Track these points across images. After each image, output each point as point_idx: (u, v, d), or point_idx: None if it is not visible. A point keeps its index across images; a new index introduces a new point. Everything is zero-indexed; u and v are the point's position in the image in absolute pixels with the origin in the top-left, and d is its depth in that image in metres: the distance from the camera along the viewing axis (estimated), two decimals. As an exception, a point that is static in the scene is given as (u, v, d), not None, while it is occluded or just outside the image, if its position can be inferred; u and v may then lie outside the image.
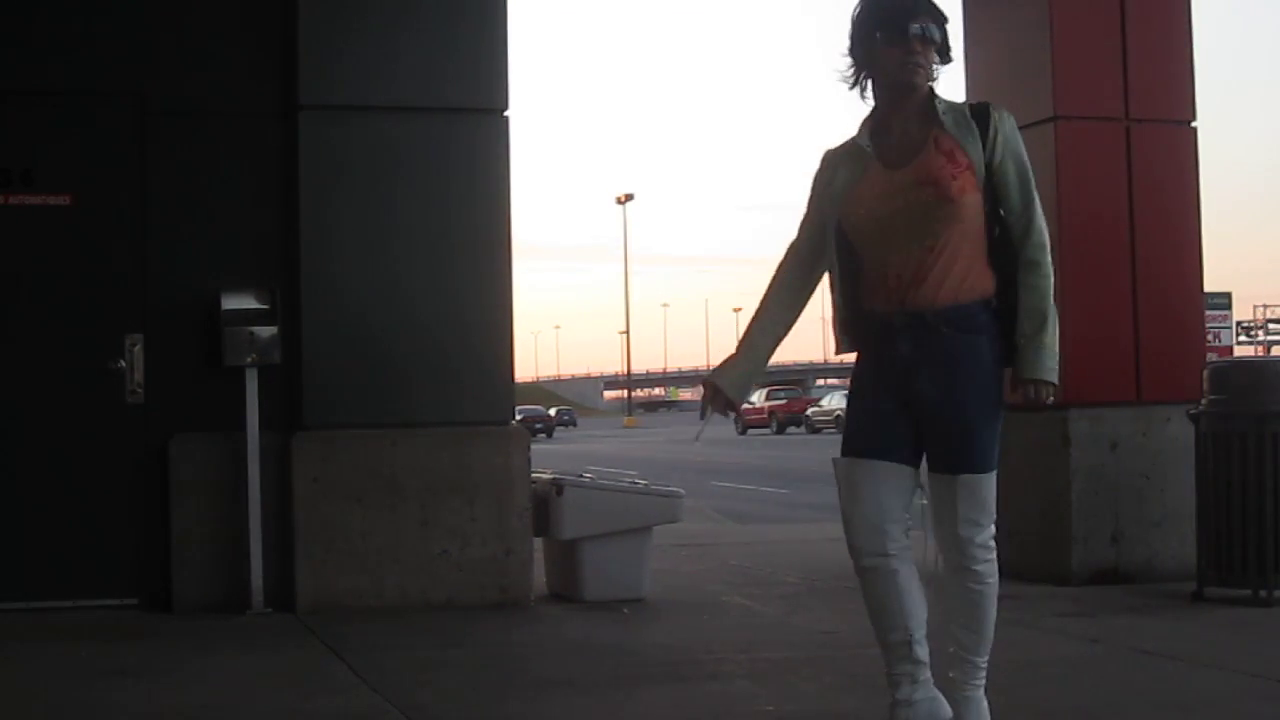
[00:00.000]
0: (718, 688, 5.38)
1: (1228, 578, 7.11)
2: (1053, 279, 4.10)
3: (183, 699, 5.31)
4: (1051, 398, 4.09)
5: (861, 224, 4.06)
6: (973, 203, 4.01)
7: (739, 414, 4.30)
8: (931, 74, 4.07)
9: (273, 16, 7.50)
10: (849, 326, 4.18)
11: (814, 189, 4.24)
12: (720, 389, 4.20)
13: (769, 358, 4.27)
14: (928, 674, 4.11)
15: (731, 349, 4.29)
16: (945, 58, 4.09)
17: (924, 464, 4.15)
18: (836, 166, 4.17)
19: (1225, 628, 6.55)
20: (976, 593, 4.07)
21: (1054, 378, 4.05)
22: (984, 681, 4.15)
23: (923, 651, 4.10)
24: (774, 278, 4.27)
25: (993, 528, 4.09)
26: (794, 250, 4.26)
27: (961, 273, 4.02)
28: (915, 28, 3.99)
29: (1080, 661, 5.83)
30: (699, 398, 4.37)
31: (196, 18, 7.49)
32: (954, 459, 4.03)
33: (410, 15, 7.55)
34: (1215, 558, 7.15)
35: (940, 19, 4.06)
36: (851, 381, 4.24)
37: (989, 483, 4.05)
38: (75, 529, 7.27)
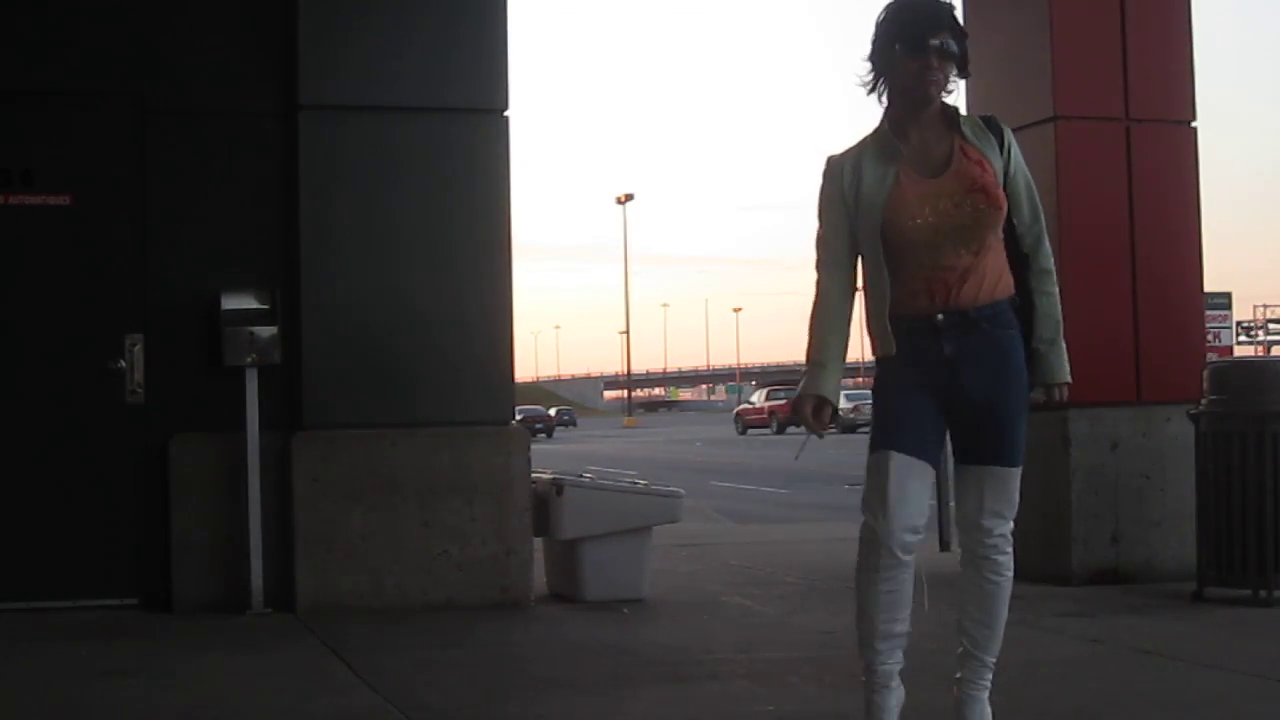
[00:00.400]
0: (718, 688, 5.38)
1: (1228, 578, 7.11)
2: None
3: (183, 699, 5.31)
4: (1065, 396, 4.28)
5: (913, 230, 4.06)
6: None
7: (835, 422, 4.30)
8: (947, 87, 4.12)
9: (273, 16, 7.51)
10: (885, 327, 4.15)
11: (832, 192, 4.18)
12: (826, 398, 4.17)
13: (845, 358, 4.27)
14: None
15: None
16: (963, 71, 4.14)
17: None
18: (859, 168, 4.14)
19: (1225, 628, 6.55)
20: (994, 584, 4.15)
21: (1070, 377, 4.24)
22: (990, 684, 4.19)
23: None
24: (823, 277, 4.20)
25: (1012, 523, 4.18)
26: (830, 247, 4.20)
27: (996, 272, 4.12)
28: (935, 42, 4.04)
29: (1080, 661, 5.83)
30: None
31: (196, 18, 7.49)
32: (989, 452, 4.13)
33: (410, 15, 7.55)
34: (1215, 558, 7.15)
35: (960, 34, 4.10)
36: (884, 380, 4.21)
37: (1017, 477, 4.16)
38: (75, 529, 7.27)
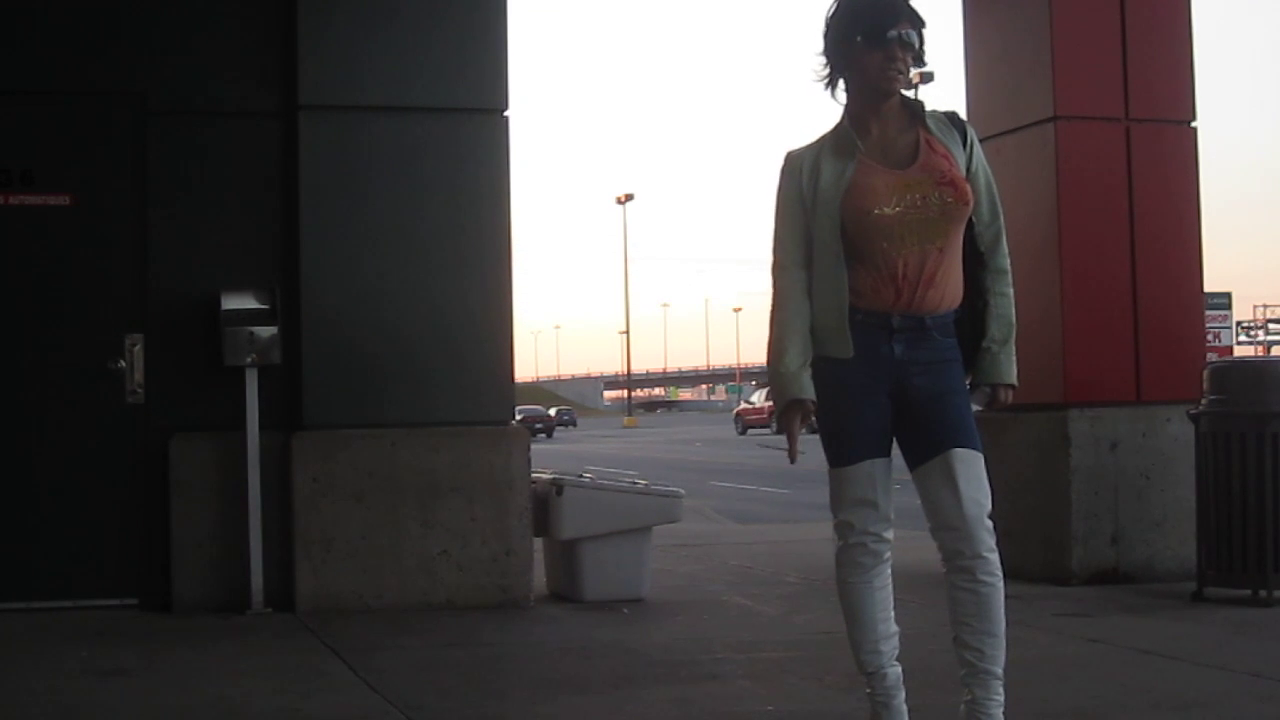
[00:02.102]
0: (718, 688, 5.38)
1: (1228, 578, 7.11)
2: None
3: (183, 699, 5.31)
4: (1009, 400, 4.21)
5: (879, 220, 3.99)
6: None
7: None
8: (908, 78, 4.08)
9: (273, 16, 7.50)
10: (844, 327, 4.05)
11: (789, 191, 4.12)
12: (805, 401, 4.06)
13: (810, 356, 4.12)
14: None
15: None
16: (919, 62, 4.09)
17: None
18: (817, 165, 4.08)
19: (1225, 628, 6.55)
20: (989, 586, 3.97)
21: (1016, 381, 4.18)
22: (1004, 699, 4.01)
23: None
24: (780, 279, 4.12)
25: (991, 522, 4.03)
26: (786, 248, 4.13)
27: (955, 279, 4.06)
28: (896, 34, 3.99)
29: (1080, 661, 5.83)
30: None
31: (196, 17, 7.49)
32: (950, 437, 3.99)
33: (410, 16, 7.55)
34: (1215, 558, 7.15)
35: (919, 24, 4.05)
36: (833, 387, 4.08)
37: (984, 464, 4.03)
38: (75, 529, 7.27)
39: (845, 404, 4.08)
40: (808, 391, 4.07)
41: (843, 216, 4.02)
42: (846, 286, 4.03)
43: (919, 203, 3.98)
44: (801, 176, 4.10)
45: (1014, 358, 4.17)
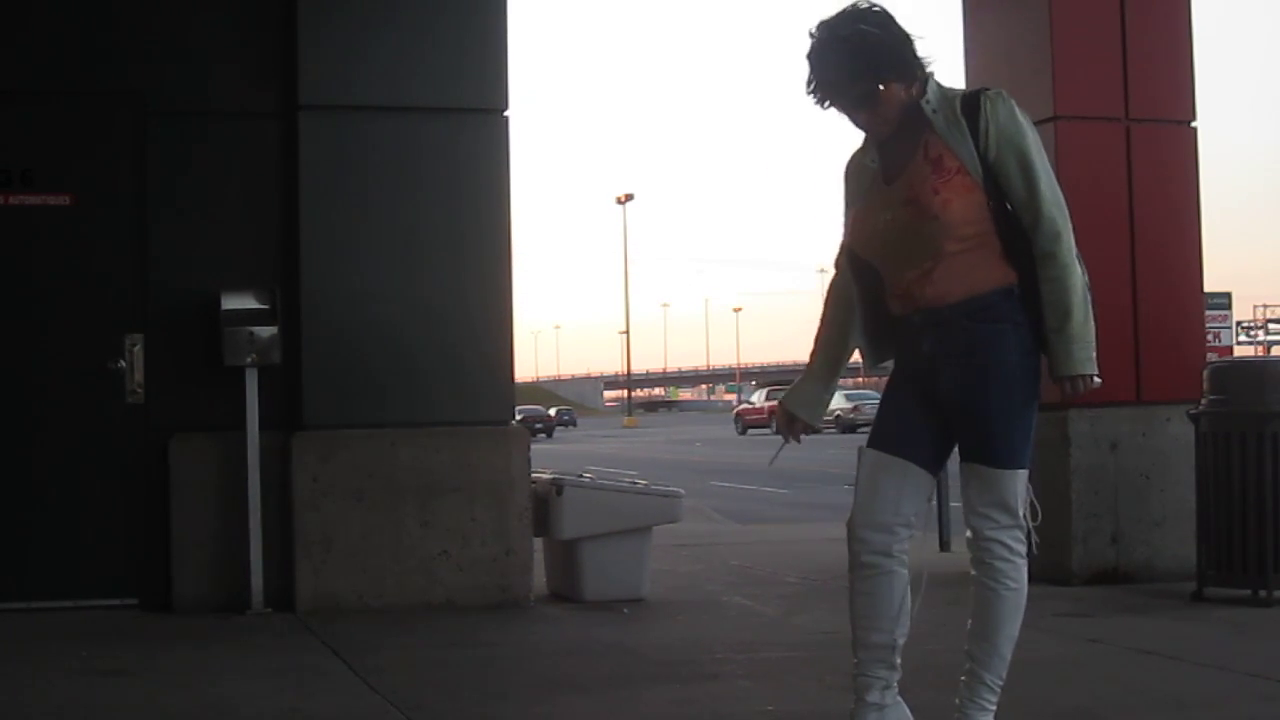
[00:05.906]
0: (718, 688, 5.38)
1: (1228, 578, 7.11)
2: (1076, 267, 3.92)
3: (183, 699, 5.31)
4: (1096, 384, 3.94)
5: (867, 242, 4.07)
6: (971, 204, 3.89)
7: (816, 430, 4.31)
8: (875, 113, 3.97)
9: (273, 16, 7.50)
10: (879, 333, 4.16)
11: (844, 195, 4.21)
12: (795, 415, 4.24)
13: (835, 376, 4.28)
14: (896, 685, 4.07)
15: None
16: (899, 74, 3.94)
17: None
18: (848, 183, 4.17)
19: (1225, 628, 6.55)
20: (989, 591, 3.95)
21: (1090, 369, 3.90)
22: (992, 707, 3.99)
23: (898, 660, 4.07)
24: (827, 296, 4.27)
25: (1017, 531, 3.94)
26: (842, 249, 4.23)
27: (972, 268, 3.92)
28: (826, 104, 3.99)
29: (1080, 661, 5.83)
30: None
31: (196, 18, 7.49)
32: (972, 450, 3.98)
33: (410, 15, 7.55)
34: (1215, 558, 7.15)
35: (849, 75, 3.91)
36: (887, 382, 4.23)
37: (1006, 480, 3.93)
38: (75, 529, 7.27)
39: (885, 398, 4.20)
40: (793, 403, 4.24)
41: (851, 243, 4.15)
42: (864, 299, 4.15)
43: (892, 220, 3.97)
44: (846, 183, 4.20)
45: (1078, 345, 3.88)
